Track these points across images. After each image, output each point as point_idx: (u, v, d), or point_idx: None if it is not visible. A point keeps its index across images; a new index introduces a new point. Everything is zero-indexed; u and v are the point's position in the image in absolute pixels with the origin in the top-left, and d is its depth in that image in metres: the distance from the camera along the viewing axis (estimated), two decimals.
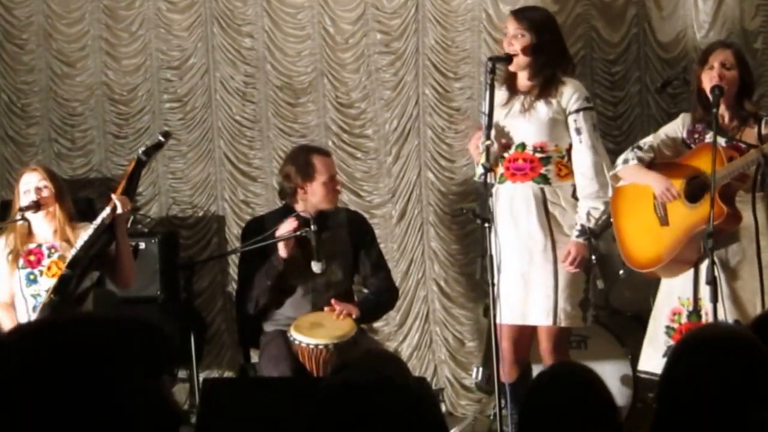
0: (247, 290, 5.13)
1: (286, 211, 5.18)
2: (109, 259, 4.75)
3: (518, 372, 4.88)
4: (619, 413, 2.53)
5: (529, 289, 4.76)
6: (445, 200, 6.41)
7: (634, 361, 5.04)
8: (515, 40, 4.78)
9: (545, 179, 4.79)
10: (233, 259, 6.34)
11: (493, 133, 4.66)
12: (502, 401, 4.60)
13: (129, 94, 6.83)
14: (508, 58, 4.78)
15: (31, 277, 4.82)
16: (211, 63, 6.71)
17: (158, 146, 4.82)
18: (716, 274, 4.37)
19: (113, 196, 4.67)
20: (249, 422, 3.77)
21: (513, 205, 4.81)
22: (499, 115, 4.79)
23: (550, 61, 4.78)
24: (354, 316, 5.02)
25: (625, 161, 4.76)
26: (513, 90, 4.85)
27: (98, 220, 4.66)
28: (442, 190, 6.41)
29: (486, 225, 4.47)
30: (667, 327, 4.71)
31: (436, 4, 6.34)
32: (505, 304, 4.71)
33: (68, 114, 6.90)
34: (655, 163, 4.75)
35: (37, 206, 4.77)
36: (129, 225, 5.12)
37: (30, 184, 4.80)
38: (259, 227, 5.19)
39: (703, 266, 4.54)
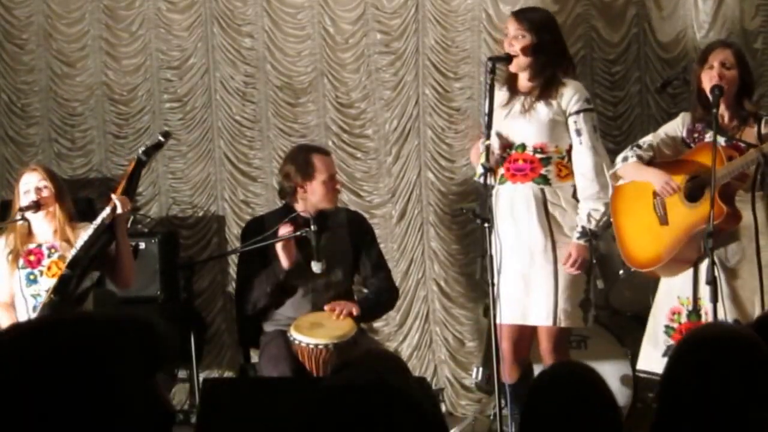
0: (246, 291, 5.13)
1: (287, 211, 5.18)
2: (109, 259, 4.75)
3: (519, 372, 4.87)
4: (620, 413, 2.53)
5: (530, 290, 4.76)
6: (445, 200, 6.41)
7: (634, 361, 5.04)
8: (516, 40, 4.78)
9: (545, 180, 4.79)
10: (233, 259, 6.34)
11: (493, 134, 4.66)
12: (502, 401, 4.60)
13: (129, 94, 6.83)
14: (508, 58, 4.78)
15: (31, 277, 4.82)
16: (211, 63, 6.71)
17: (158, 146, 4.82)
18: (716, 274, 4.37)
19: (113, 196, 4.67)
20: (249, 422, 3.76)
21: (513, 205, 4.81)
22: (499, 116, 4.79)
23: (550, 62, 4.77)
24: (355, 314, 5.02)
25: (625, 159, 4.77)
26: (514, 91, 4.85)
27: (98, 220, 4.66)
28: (442, 190, 6.41)
29: (486, 225, 4.47)
30: (667, 326, 4.71)
31: (436, 4, 6.34)
32: (505, 304, 4.70)
33: (68, 114, 6.90)
34: (654, 162, 4.75)
35: (37, 206, 4.77)
36: (129, 225, 5.12)
37: (30, 184, 4.80)
38: (259, 227, 5.19)
39: (703, 266, 4.54)
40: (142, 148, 4.75)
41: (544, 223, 4.76)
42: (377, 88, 6.48)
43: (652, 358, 4.71)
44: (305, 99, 6.61)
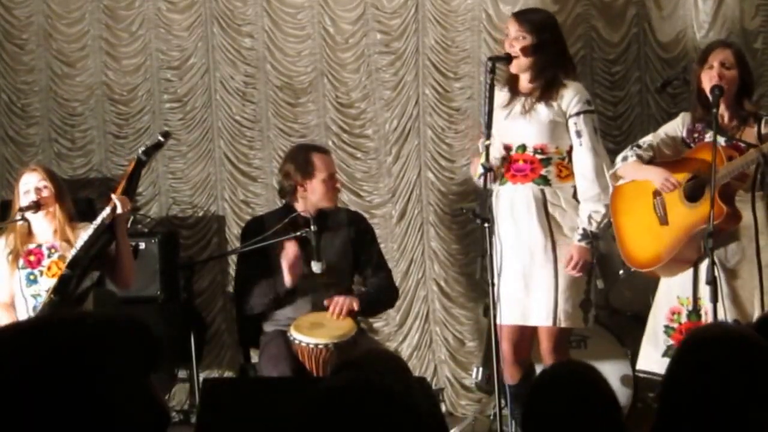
0: (245, 292, 5.13)
1: (287, 210, 5.18)
2: (109, 259, 4.75)
3: (521, 373, 4.87)
4: (621, 411, 2.53)
5: (530, 290, 4.76)
6: (445, 200, 6.41)
7: (634, 360, 5.04)
8: (516, 41, 4.78)
9: (545, 180, 4.79)
10: (233, 259, 6.33)
11: (492, 138, 4.66)
12: (502, 401, 4.60)
13: (129, 94, 6.83)
14: (508, 58, 4.78)
15: (31, 277, 4.82)
16: (211, 63, 6.71)
17: (158, 146, 4.82)
18: (716, 274, 4.37)
19: (113, 196, 4.67)
20: (249, 422, 3.76)
21: (513, 206, 4.81)
22: (500, 117, 4.80)
23: (551, 63, 4.77)
24: (355, 308, 5.01)
25: (624, 159, 4.77)
26: (515, 92, 4.85)
27: (98, 220, 4.66)
28: (442, 190, 6.41)
29: (486, 225, 4.47)
30: (666, 326, 4.70)
31: (436, 4, 6.34)
32: (505, 305, 4.71)
33: (68, 114, 6.90)
34: (654, 162, 4.75)
35: (37, 206, 4.77)
36: (129, 225, 5.12)
37: (30, 185, 4.80)
38: (259, 227, 5.19)
39: (703, 266, 4.54)
40: (142, 148, 4.75)
41: (544, 223, 4.77)
42: (377, 88, 6.48)
43: (652, 359, 4.71)
44: (305, 99, 6.61)
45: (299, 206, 5.13)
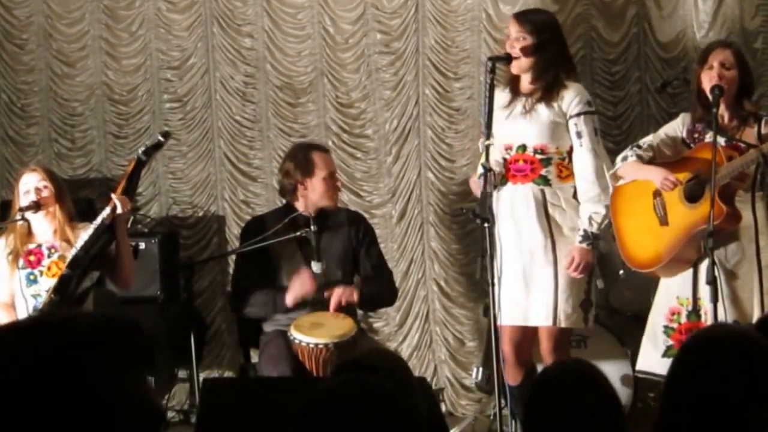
0: (242, 294, 5.12)
1: (287, 210, 5.19)
2: (109, 259, 4.75)
3: (522, 374, 4.87)
4: (623, 409, 2.53)
5: (530, 290, 4.76)
6: (445, 200, 6.41)
7: (634, 360, 5.04)
8: (517, 42, 4.77)
9: (545, 180, 4.79)
10: (233, 259, 6.34)
11: (492, 138, 4.67)
12: (502, 401, 4.60)
13: (129, 94, 6.83)
14: (508, 58, 4.78)
15: (31, 277, 4.82)
16: (211, 63, 6.71)
17: (158, 146, 4.82)
18: (716, 274, 4.36)
19: (113, 195, 4.67)
20: (249, 422, 3.77)
21: (513, 206, 4.81)
22: (500, 117, 4.80)
23: (552, 64, 4.77)
24: (355, 299, 5.01)
25: (624, 159, 4.77)
26: (516, 92, 4.85)
27: (98, 220, 4.66)
28: (442, 190, 6.41)
29: (486, 225, 4.47)
30: (666, 327, 4.70)
31: (436, 4, 6.34)
32: (505, 305, 4.71)
33: (68, 114, 6.91)
34: (654, 162, 4.75)
35: (37, 206, 4.77)
36: (129, 225, 5.12)
37: (30, 185, 4.80)
38: (258, 227, 5.19)
39: (703, 266, 4.54)
40: (142, 148, 4.75)
41: (544, 223, 4.77)
42: (377, 88, 6.49)
43: (652, 359, 4.71)
44: (305, 99, 6.61)
45: (299, 205, 5.14)
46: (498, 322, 4.60)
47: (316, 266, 5.02)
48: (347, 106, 6.55)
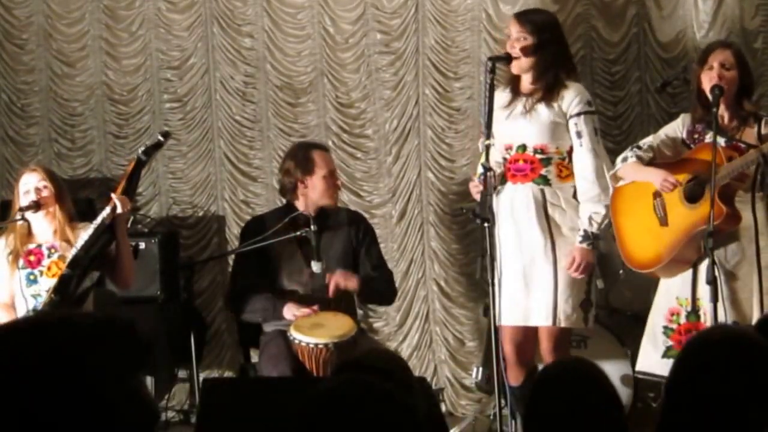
0: (240, 294, 5.11)
1: (287, 210, 5.19)
2: (109, 259, 4.75)
3: (524, 374, 4.87)
4: (623, 408, 2.54)
5: (530, 290, 4.77)
6: (445, 200, 6.41)
7: (634, 360, 5.04)
8: (517, 42, 4.77)
9: (545, 180, 4.79)
10: (233, 259, 6.34)
11: (492, 139, 4.67)
12: (502, 401, 4.60)
13: (129, 94, 6.83)
14: (508, 58, 4.78)
15: (31, 277, 4.82)
16: (211, 63, 6.71)
17: (158, 146, 4.81)
18: (716, 274, 4.36)
19: (113, 195, 4.67)
20: (249, 422, 3.77)
21: (513, 206, 4.81)
22: (501, 117, 4.80)
23: (552, 64, 4.77)
24: (355, 286, 5.00)
25: (624, 160, 4.77)
26: (516, 92, 4.85)
27: (98, 220, 4.66)
28: (442, 190, 6.42)
29: (486, 225, 4.47)
30: (665, 327, 4.70)
31: (436, 4, 6.34)
32: (506, 306, 4.71)
33: (68, 114, 6.90)
34: (654, 162, 4.75)
35: (37, 206, 4.77)
36: (129, 225, 5.12)
37: (30, 185, 4.80)
38: (258, 227, 5.19)
39: (702, 266, 4.54)
40: (142, 148, 4.75)
41: (544, 223, 4.77)
42: (377, 88, 6.49)
43: (651, 359, 4.71)
44: (305, 99, 6.61)
45: (300, 205, 5.14)
46: (498, 322, 4.60)
47: (316, 266, 5.02)
48: (347, 106, 6.55)
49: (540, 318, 4.77)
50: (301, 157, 5.14)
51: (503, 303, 4.70)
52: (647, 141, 4.81)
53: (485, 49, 6.18)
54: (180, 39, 6.75)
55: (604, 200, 4.75)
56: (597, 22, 6.18)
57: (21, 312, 4.82)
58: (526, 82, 4.83)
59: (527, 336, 4.87)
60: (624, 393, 5.35)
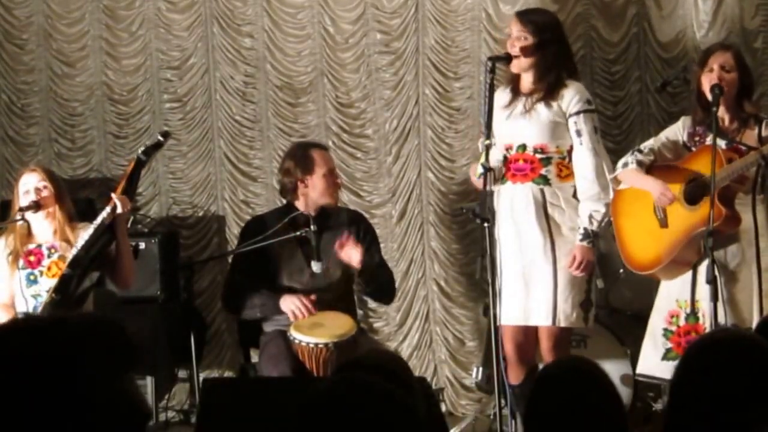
0: (238, 292, 5.11)
1: (288, 209, 5.18)
2: (109, 259, 4.75)
3: (525, 372, 4.86)
4: (623, 406, 2.54)
5: (529, 290, 4.77)
6: (445, 200, 6.41)
7: (634, 360, 5.04)
8: (518, 41, 4.77)
9: (545, 180, 4.79)
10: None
11: (493, 139, 4.67)
12: (502, 401, 4.60)
13: (129, 94, 6.83)
14: (508, 58, 4.78)
15: (32, 277, 4.82)
16: (211, 63, 6.71)
17: (158, 146, 4.81)
18: (716, 273, 4.36)
19: (113, 195, 4.67)
20: (249, 422, 3.77)
21: (513, 205, 4.81)
22: (501, 117, 4.80)
23: (554, 64, 4.76)
24: (357, 262, 4.97)
25: (625, 165, 4.75)
26: (516, 92, 4.85)
27: (98, 220, 4.66)
28: (442, 189, 6.42)
29: (486, 225, 4.47)
30: (665, 329, 4.70)
31: (436, 4, 6.34)
32: (505, 305, 4.71)
33: (68, 114, 6.90)
34: (654, 165, 4.74)
35: (36, 206, 4.77)
36: (129, 225, 5.12)
37: (30, 185, 4.80)
38: (258, 227, 5.19)
39: (702, 268, 4.53)
40: (142, 148, 4.75)
41: (543, 223, 4.77)
42: (377, 88, 6.49)
43: (652, 362, 4.71)
44: (305, 99, 6.61)
45: (300, 205, 5.13)
46: (498, 322, 4.60)
47: (316, 266, 5.02)
48: (347, 106, 6.55)
49: (540, 318, 4.77)
50: (301, 157, 5.14)
51: (503, 302, 4.70)
52: (648, 144, 4.81)
53: (485, 49, 6.18)
54: (180, 39, 6.75)
55: (604, 199, 4.74)
56: (597, 22, 6.19)
57: (21, 312, 4.82)
58: (527, 81, 4.83)
59: (528, 335, 4.87)
60: (624, 393, 5.35)
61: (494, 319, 4.55)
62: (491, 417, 5.86)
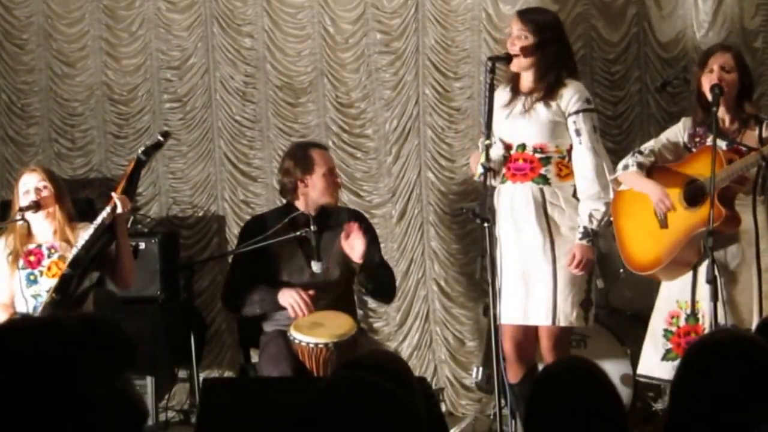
0: (237, 293, 5.10)
1: (288, 209, 5.18)
2: (109, 259, 4.75)
3: (524, 371, 4.86)
4: (624, 407, 2.54)
5: (529, 290, 4.77)
6: (445, 200, 6.41)
7: (634, 360, 5.04)
8: (518, 40, 4.78)
9: (545, 179, 4.79)
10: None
11: (494, 137, 4.67)
12: (502, 401, 4.60)
13: (129, 94, 6.83)
14: (508, 58, 4.78)
15: (32, 277, 4.82)
16: (211, 63, 6.71)
17: (158, 146, 4.82)
18: (716, 273, 4.36)
19: (113, 195, 4.67)
20: (249, 422, 3.76)
21: (513, 205, 4.82)
22: (500, 116, 4.80)
23: (554, 64, 4.77)
24: (359, 255, 4.97)
25: (625, 167, 4.75)
26: (516, 91, 4.85)
27: (98, 220, 4.66)
28: (442, 189, 6.42)
29: (486, 225, 4.47)
30: (665, 330, 4.70)
31: (436, 4, 6.35)
32: (505, 304, 4.71)
33: (68, 114, 6.90)
34: (656, 166, 4.74)
35: (36, 206, 4.77)
36: (129, 225, 5.12)
37: (29, 185, 4.80)
38: (259, 226, 5.19)
39: (702, 268, 4.53)
40: (142, 148, 4.75)
41: (543, 223, 4.77)
42: (377, 88, 6.49)
43: (652, 362, 4.71)
44: (305, 99, 6.61)
45: (300, 205, 5.13)
46: (498, 321, 4.60)
47: (316, 266, 5.02)
48: (347, 106, 6.55)
49: (540, 317, 4.77)
50: (300, 156, 5.14)
51: (503, 301, 4.70)
52: (648, 145, 4.80)
53: (485, 49, 6.18)
54: (180, 39, 6.75)
55: (604, 198, 4.74)
56: (597, 22, 6.19)
57: (21, 312, 4.82)
58: (526, 80, 4.83)
59: (527, 334, 4.87)
60: (624, 393, 5.35)
61: (494, 319, 4.55)
62: (491, 417, 5.86)
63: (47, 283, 4.76)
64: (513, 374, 4.84)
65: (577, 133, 4.76)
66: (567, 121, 4.77)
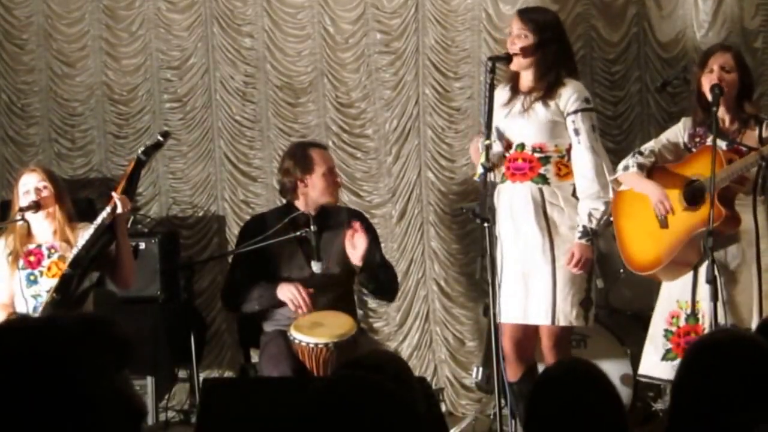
0: (237, 292, 5.11)
1: (288, 209, 5.18)
2: (109, 259, 4.75)
3: (523, 370, 4.86)
4: (624, 408, 2.55)
5: (529, 289, 4.77)
6: (445, 200, 6.41)
7: (634, 360, 5.04)
8: (518, 39, 4.78)
9: (544, 179, 4.79)
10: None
11: (493, 135, 4.67)
12: (502, 401, 4.60)
13: (129, 94, 6.83)
14: (508, 58, 4.78)
15: (32, 277, 4.82)
16: (211, 63, 6.71)
17: (157, 146, 4.82)
18: (716, 273, 4.36)
19: (114, 194, 4.67)
20: (249, 422, 3.76)
21: (512, 205, 4.82)
22: (500, 115, 4.80)
23: (554, 64, 4.77)
24: (359, 258, 4.97)
25: (626, 168, 4.75)
26: (515, 90, 4.85)
27: (98, 220, 4.66)
28: (442, 189, 6.42)
29: (486, 225, 4.47)
30: (666, 330, 4.70)
31: (436, 4, 6.35)
32: (505, 303, 4.71)
33: (68, 114, 6.90)
34: (656, 166, 4.74)
35: (36, 207, 4.77)
36: (129, 225, 5.12)
37: (29, 185, 4.80)
38: (259, 226, 5.19)
39: (702, 269, 4.53)
40: (142, 148, 4.75)
41: (542, 222, 4.77)
42: (377, 88, 6.49)
43: (652, 363, 4.71)
44: (305, 99, 6.61)
45: (300, 204, 5.13)
46: (498, 320, 4.60)
47: (316, 266, 5.02)
48: (347, 106, 6.55)
49: (539, 317, 4.77)
50: (300, 156, 5.14)
51: (503, 301, 4.70)
52: (649, 146, 4.80)
53: (485, 49, 6.19)
54: (180, 39, 6.75)
55: (604, 197, 4.74)
56: (597, 22, 6.19)
57: (21, 312, 4.82)
58: (526, 80, 4.83)
59: (527, 333, 4.87)
60: (624, 393, 5.35)
61: (494, 319, 4.55)
62: (491, 417, 5.86)
63: (47, 284, 4.76)
64: (512, 373, 4.84)
65: (576, 132, 4.76)
66: (566, 120, 4.77)
